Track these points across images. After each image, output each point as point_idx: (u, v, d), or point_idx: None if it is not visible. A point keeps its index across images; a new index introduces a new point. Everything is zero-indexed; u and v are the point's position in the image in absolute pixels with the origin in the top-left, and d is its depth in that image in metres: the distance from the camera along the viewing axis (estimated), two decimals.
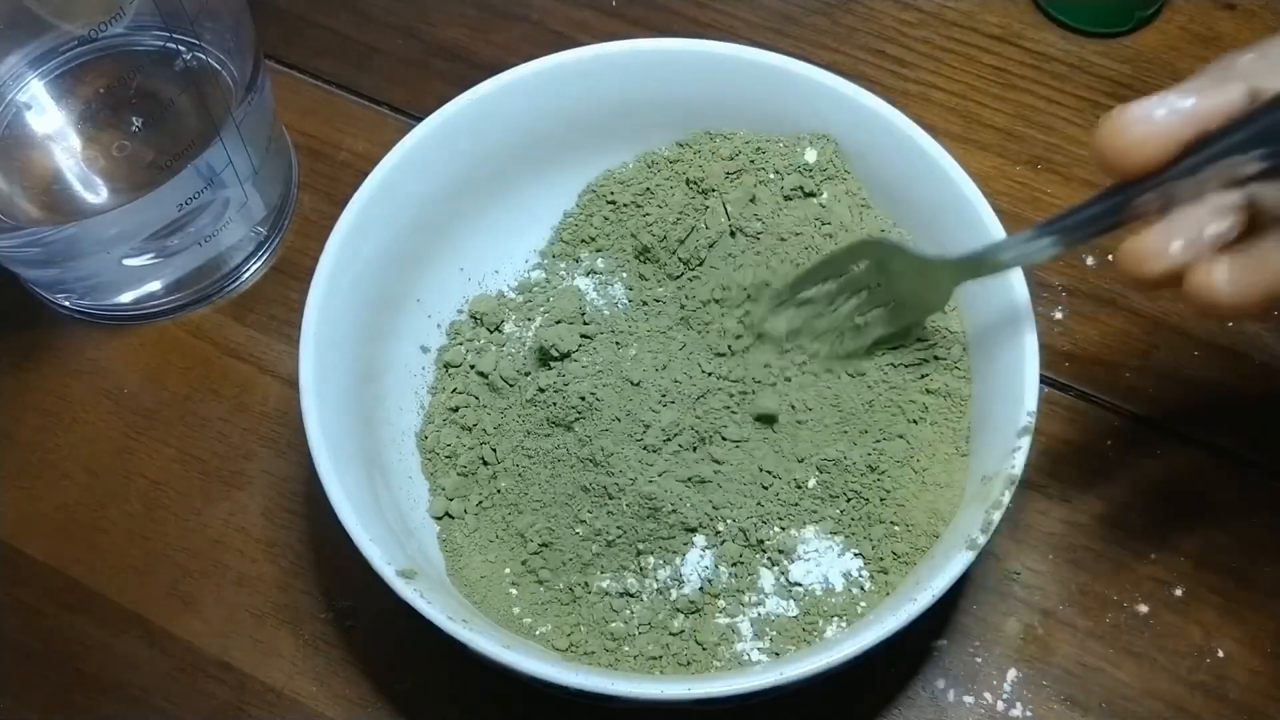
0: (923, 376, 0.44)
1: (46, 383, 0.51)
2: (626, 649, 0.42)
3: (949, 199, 0.44)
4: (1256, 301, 0.33)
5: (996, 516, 0.38)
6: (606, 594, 0.42)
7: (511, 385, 0.46)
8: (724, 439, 0.43)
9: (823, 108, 0.46)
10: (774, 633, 0.41)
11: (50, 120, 0.51)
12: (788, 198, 0.47)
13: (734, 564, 0.42)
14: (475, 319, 0.48)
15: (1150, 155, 0.34)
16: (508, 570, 0.44)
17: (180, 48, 0.48)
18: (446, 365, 0.47)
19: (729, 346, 0.45)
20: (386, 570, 0.38)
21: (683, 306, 0.46)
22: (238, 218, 0.51)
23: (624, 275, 0.48)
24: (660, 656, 0.41)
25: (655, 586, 0.42)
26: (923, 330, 0.44)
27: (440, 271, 0.48)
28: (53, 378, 0.51)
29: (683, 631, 0.42)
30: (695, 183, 0.48)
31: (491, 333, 0.48)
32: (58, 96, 0.50)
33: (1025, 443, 0.39)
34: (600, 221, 0.49)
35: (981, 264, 0.41)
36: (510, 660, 0.37)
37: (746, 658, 0.41)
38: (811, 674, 0.36)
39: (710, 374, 0.44)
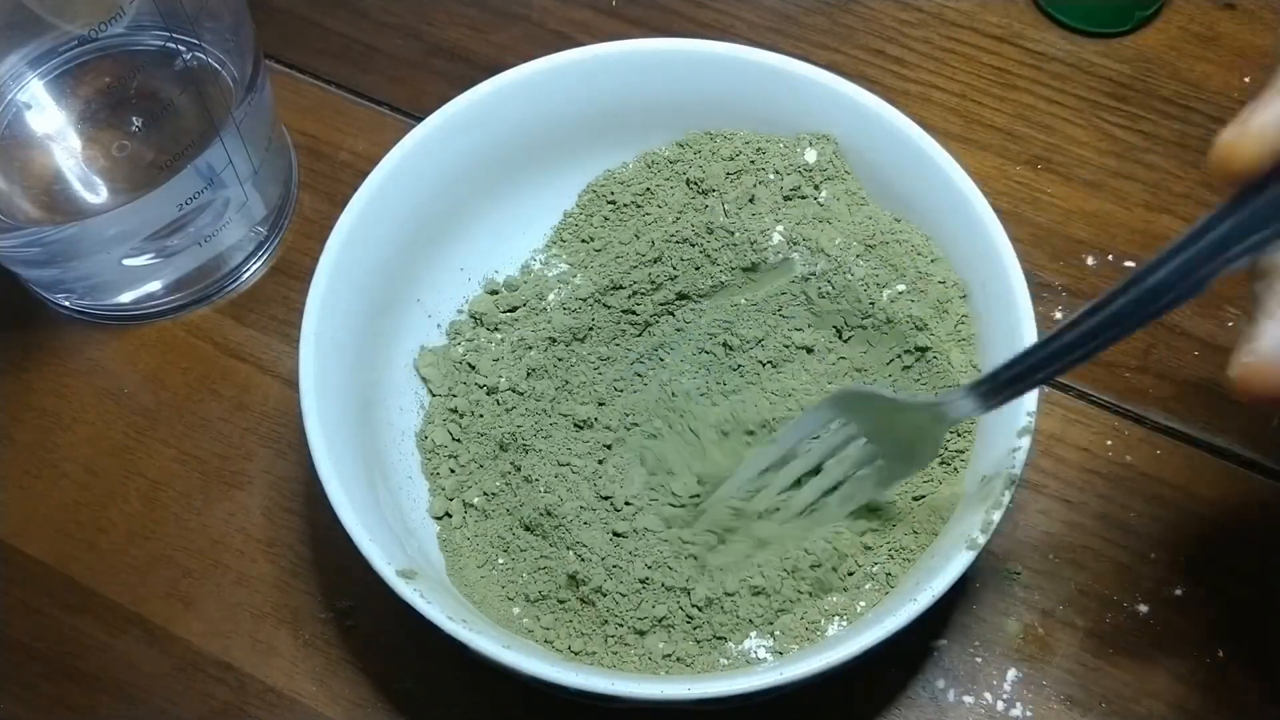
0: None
1: (46, 383, 0.51)
2: (627, 649, 0.42)
3: (949, 199, 0.44)
4: None
5: (996, 516, 0.38)
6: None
7: (511, 386, 0.46)
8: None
9: (823, 108, 0.46)
10: (777, 631, 0.41)
11: (50, 120, 0.51)
12: (787, 198, 0.47)
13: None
14: (475, 319, 0.48)
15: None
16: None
17: (180, 48, 0.48)
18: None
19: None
20: (386, 570, 0.38)
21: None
22: (238, 218, 0.51)
23: None
24: (661, 656, 0.41)
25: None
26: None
27: (440, 271, 0.48)
28: (53, 378, 0.51)
29: (684, 632, 0.42)
30: (695, 183, 0.48)
31: (491, 332, 0.48)
32: (58, 96, 0.50)
33: (1025, 443, 0.39)
34: (600, 221, 0.49)
35: (977, 403, 0.37)
36: (510, 660, 0.37)
37: (753, 655, 0.41)
38: (812, 674, 0.36)
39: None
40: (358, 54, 0.59)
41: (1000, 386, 0.37)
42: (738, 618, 0.41)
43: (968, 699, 0.44)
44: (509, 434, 0.44)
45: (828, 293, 0.45)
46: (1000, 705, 0.44)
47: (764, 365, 0.46)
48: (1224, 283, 0.51)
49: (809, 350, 0.46)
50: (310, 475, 0.41)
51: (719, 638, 0.41)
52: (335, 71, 0.59)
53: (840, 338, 0.46)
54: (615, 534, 0.42)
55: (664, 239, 0.46)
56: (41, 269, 0.50)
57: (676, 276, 0.46)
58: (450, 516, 0.45)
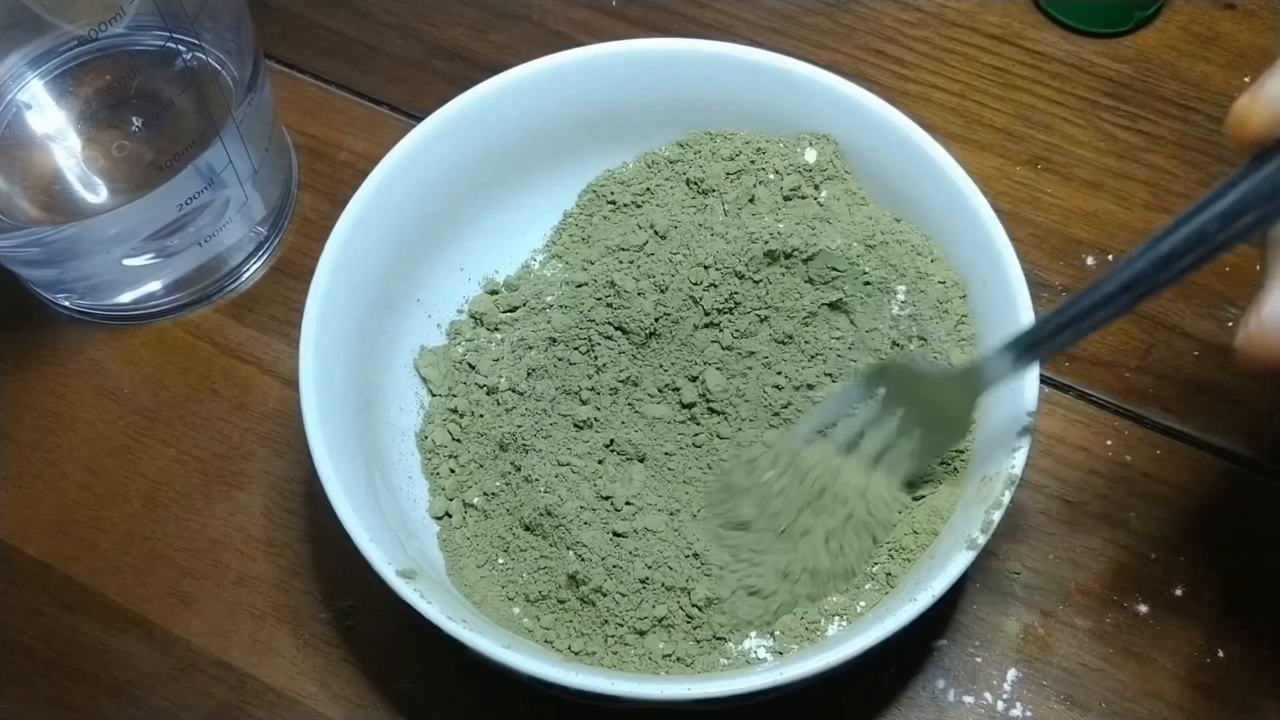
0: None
1: (46, 383, 0.51)
2: (627, 649, 0.42)
3: (949, 199, 0.44)
4: None
5: (996, 516, 0.38)
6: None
7: (511, 386, 0.46)
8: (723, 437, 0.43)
9: (823, 108, 0.46)
10: (777, 631, 0.41)
11: (50, 120, 0.51)
12: (787, 198, 0.47)
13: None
14: (475, 319, 0.48)
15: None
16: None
17: (180, 48, 0.48)
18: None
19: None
20: (386, 570, 0.38)
21: None
22: (238, 218, 0.51)
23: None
24: (661, 656, 0.41)
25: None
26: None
27: (440, 271, 0.48)
28: (53, 378, 0.51)
29: (684, 632, 0.42)
30: (695, 183, 0.48)
31: (491, 332, 0.48)
32: (58, 96, 0.50)
33: (1025, 443, 0.39)
34: (600, 221, 0.49)
35: (1001, 368, 0.38)
36: (510, 660, 0.37)
37: (753, 655, 0.41)
38: (811, 674, 0.36)
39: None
40: (358, 54, 0.59)
41: (1025, 349, 0.37)
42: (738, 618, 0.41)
43: (968, 699, 0.44)
44: (509, 434, 0.44)
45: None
46: (1000, 705, 0.44)
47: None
48: (1224, 281, 0.51)
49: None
50: (310, 475, 0.41)
51: (719, 638, 0.41)
52: (335, 71, 0.59)
53: None
54: (615, 534, 0.42)
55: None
56: (41, 269, 0.50)
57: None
58: (450, 516, 0.45)
